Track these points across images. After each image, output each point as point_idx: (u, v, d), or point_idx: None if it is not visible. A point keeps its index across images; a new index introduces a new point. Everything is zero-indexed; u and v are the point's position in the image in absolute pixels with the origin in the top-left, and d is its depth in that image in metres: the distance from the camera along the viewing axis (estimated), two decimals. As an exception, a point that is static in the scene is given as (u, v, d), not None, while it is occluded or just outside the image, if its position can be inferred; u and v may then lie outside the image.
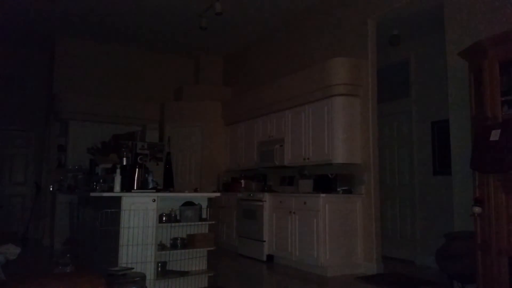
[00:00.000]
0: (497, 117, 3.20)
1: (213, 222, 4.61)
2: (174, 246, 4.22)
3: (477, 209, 3.35)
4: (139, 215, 3.96)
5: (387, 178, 6.63)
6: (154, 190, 4.27)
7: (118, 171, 4.15)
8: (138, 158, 4.41)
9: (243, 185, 7.09)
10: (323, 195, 5.17)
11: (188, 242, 4.29)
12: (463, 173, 4.08)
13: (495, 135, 3.11)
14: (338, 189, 5.41)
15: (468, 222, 3.77)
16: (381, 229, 5.39)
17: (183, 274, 4.21)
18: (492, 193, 3.20)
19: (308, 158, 5.83)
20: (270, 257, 5.92)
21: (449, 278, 3.93)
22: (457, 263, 3.69)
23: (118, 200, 3.98)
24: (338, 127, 5.41)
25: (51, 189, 7.58)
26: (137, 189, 4.25)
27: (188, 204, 4.39)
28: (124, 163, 4.47)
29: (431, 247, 5.32)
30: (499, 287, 3.10)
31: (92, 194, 4.28)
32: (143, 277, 3.57)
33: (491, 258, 3.18)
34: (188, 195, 4.53)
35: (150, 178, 4.38)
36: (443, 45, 4.64)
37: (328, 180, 5.53)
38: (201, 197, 4.57)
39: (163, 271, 4.12)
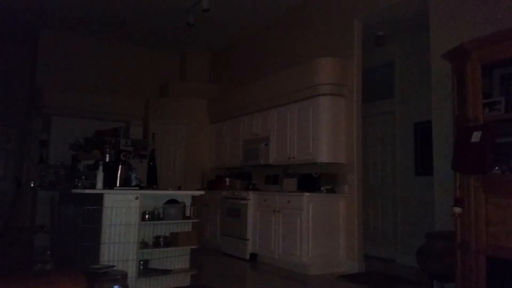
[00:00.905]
0: (478, 119, 3.25)
1: (197, 220, 4.60)
2: (156, 244, 4.19)
3: (457, 209, 3.40)
4: (122, 213, 3.92)
5: (370, 178, 6.69)
6: (137, 188, 4.23)
7: (100, 167, 4.10)
8: (121, 155, 4.36)
9: (227, 184, 7.07)
10: (307, 194, 5.19)
11: (171, 240, 4.26)
12: (445, 174, 4.13)
13: (476, 136, 3.16)
14: (322, 188, 5.44)
15: (448, 222, 3.83)
16: (363, 228, 5.44)
17: (165, 272, 4.18)
18: (472, 194, 3.25)
19: (293, 157, 5.85)
20: (253, 256, 5.93)
21: (429, 277, 3.99)
22: (437, 262, 3.74)
23: (100, 197, 3.93)
24: (323, 127, 5.43)
25: (32, 185, 7.45)
26: (119, 186, 4.20)
27: (172, 202, 4.36)
28: (107, 160, 4.41)
29: (412, 247, 5.39)
30: (477, 286, 3.16)
31: (74, 190, 4.22)
32: (124, 275, 3.54)
33: (469, 257, 3.23)
34: (171, 193, 4.51)
35: (133, 175, 4.33)
36: (427, 47, 4.69)
37: (312, 179, 5.55)
38: (185, 195, 4.55)
39: (145, 269, 4.09)
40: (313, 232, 5.11)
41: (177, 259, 4.33)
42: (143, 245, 4.12)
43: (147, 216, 4.15)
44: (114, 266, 3.70)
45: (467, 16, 4.18)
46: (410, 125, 6.17)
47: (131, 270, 3.87)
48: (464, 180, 3.37)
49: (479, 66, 3.30)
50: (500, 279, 3.06)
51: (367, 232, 6.24)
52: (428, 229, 4.53)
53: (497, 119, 3.20)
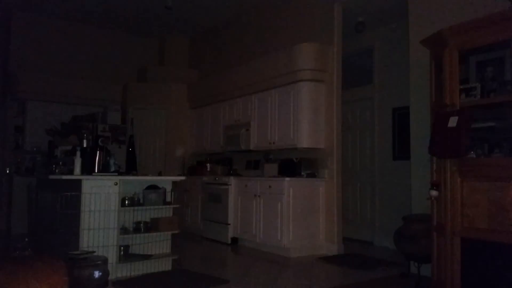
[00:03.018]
0: (455, 105, 3.32)
1: (178, 205, 4.59)
2: (137, 229, 4.18)
3: (434, 193, 3.49)
4: (101, 199, 3.89)
5: (349, 163, 6.78)
6: (116, 174, 4.19)
7: (78, 153, 4.04)
8: (99, 140, 4.32)
9: (208, 169, 7.06)
10: (287, 178, 5.23)
11: (151, 226, 4.25)
12: (422, 158, 4.22)
13: (452, 121, 3.22)
14: (302, 173, 5.49)
15: (425, 205, 3.92)
16: (342, 212, 5.53)
17: (146, 257, 4.18)
18: (449, 178, 3.33)
19: (273, 142, 5.87)
20: (234, 240, 5.97)
21: (406, 258, 4.10)
22: (414, 244, 3.84)
23: (78, 183, 3.88)
24: (303, 112, 5.46)
25: (7, 171, 7.29)
26: (98, 172, 4.16)
27: (152, 187, 4.34)
28: (85, 145, 4.35)
29: (390, 229, 5.51)
30: (452, 267, 3.26)
31: (51, 177, 4.16)
32: (105, 260, 3.53)
33: (445, 239, 3.33)
34: (151, 179, 4.48)
35: (112, 161, 4.28)
36: (406, 33, 4.73)
37: (293, 164, 5.60)
38: (165, 181, 4.53)
39: (126, 255, 4.08)
40: (294, 216, 5.17)
41: (158, 244, 4.33)
42: (124, 230, 4.10)
43: (127, 202, 4.12)
44: (94, 252, 3.68)
45: (445, 3, 4.23)
46: (389, 110, 6.25)
47: (112, 255, 3.86)
48: (441, 164, 3.45)
49: (456, 52, 3.35)
50: (474, 260, 3.17)
51: (346, 215, 6.36)
52: (405, 212, 4.63)
53: (473, 105, 3.26)
